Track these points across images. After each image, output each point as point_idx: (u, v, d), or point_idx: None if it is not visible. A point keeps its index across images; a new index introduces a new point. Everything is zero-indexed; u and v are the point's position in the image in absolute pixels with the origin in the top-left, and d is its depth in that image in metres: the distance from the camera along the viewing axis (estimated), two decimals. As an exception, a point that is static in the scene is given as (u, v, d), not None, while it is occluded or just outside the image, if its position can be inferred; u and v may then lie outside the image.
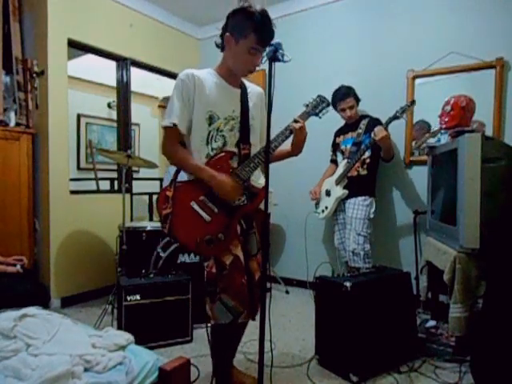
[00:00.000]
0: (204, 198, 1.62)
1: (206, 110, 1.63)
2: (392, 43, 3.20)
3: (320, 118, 1.79)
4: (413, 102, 2.76)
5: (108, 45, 3.47)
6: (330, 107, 1.85)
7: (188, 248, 1.72)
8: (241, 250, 1.67)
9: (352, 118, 3.02)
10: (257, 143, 1.77)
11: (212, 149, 1.66)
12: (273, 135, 1.63)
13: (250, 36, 1.55)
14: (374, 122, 2.86)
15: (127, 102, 3.73)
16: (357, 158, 2.84)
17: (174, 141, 1.66)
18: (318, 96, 1.79)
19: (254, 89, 1.80)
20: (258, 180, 1.76)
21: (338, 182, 2.96)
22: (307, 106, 1.77)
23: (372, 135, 2.72)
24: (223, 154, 1.66)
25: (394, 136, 3.08)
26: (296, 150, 1.76)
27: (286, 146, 1.77)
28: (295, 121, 1.70)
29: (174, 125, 1.61)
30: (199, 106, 1.63)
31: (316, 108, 1.76)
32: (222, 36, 1.65)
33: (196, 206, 1.61)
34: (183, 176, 1.71)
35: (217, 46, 1.70)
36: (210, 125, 1.65)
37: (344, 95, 2.95)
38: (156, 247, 2.80)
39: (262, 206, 1.46)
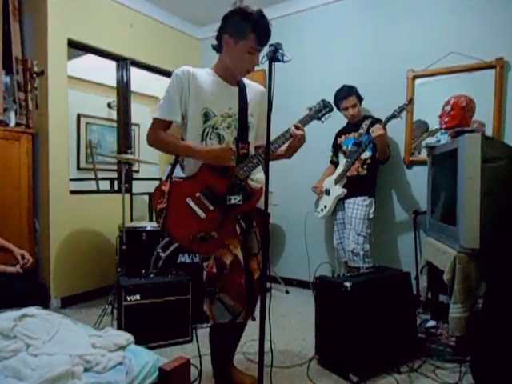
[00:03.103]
0: (200, 194, 1.62)
1: (201, 106, 1.63)
2: (392, 43, 3.20)
3: (322, 122, 1.78)
4: (410, 101, 2.78)
5: (108, 45, 3.47)
6: (333, 112, 1.83)
7: (180, 244, 1.73)
8: (240, 250, 1.67)
9: (355, 116, 3.02)
10: (253, 141, 1.77)
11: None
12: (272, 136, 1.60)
13: (250, 37, 1.55)
14: (377, 123, 2.86)
15: (127, 101, 3.73)
16: (355, 156, 2.85)
17: (159, 130, 1.66)
18: (322, 100, 1.78)
19: (253, 86, 1.79)
20: (256, 175, 1.73)
21: (337, 181, 2.96)
22: (310, 109, 1.77)
23: (370, 132, 2.74)
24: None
25: (393, 136, 3.10)
26: (290, 154, 1.77)
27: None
28: (296, 127, 1.69)
29: (166, 120, 1.63)
30: (194, 102, 1.63)
31: (319, 112, 1.76)
32: (218, 38, 1.65)
33: (192, 203, 1.61)
34: (179, 172, 1.73)
35: (213, 48, 1.70)
36: (205, 122, 1.64)
37: (346, 94, 2.97)
38: (156, 247, 2.80)
39: (261, 206, 1.45)
